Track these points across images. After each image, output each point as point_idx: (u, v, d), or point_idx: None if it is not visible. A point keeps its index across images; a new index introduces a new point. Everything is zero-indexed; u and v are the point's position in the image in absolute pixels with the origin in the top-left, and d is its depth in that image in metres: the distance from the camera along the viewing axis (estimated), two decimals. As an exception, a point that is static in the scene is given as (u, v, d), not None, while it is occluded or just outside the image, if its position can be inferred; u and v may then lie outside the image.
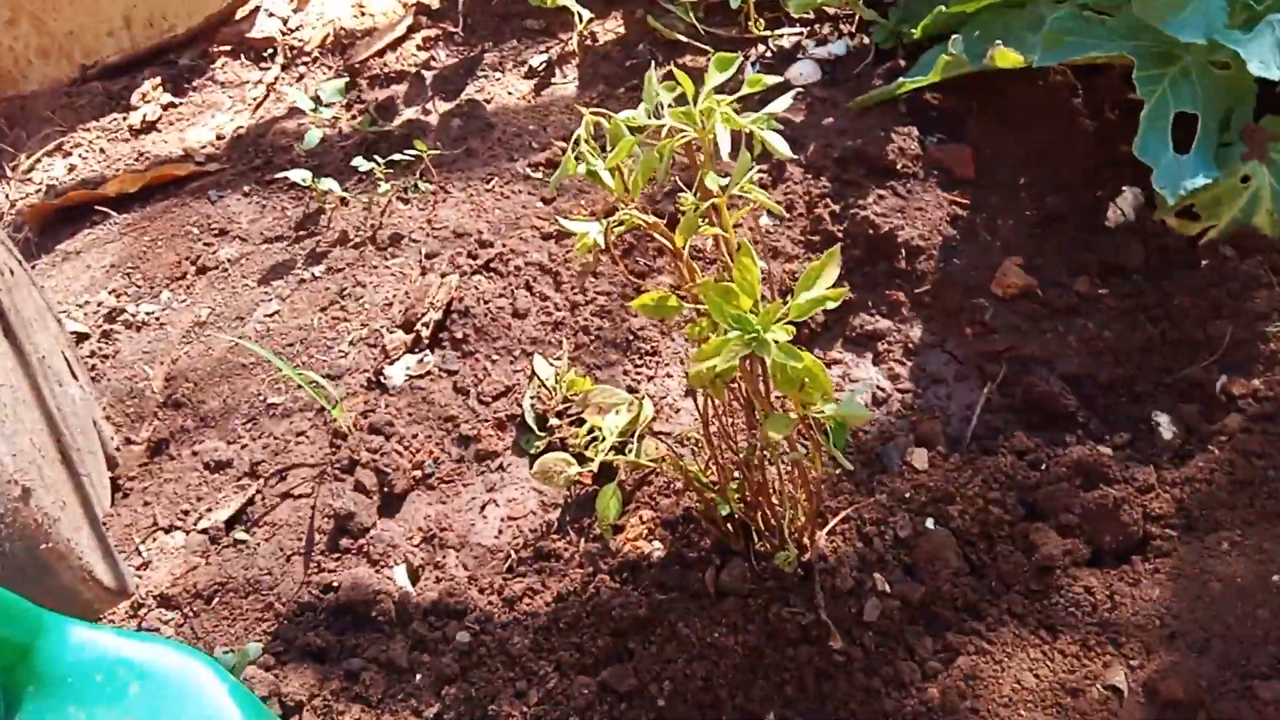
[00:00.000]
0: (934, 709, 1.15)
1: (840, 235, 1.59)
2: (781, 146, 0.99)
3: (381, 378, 1.51)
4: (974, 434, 1.43)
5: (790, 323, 0.99)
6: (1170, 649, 1.12)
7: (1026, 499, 1.30)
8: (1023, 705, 1.13)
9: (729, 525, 1.30)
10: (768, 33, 1.99)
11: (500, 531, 1.37)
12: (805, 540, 1.28)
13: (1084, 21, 1.44)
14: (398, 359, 1.53)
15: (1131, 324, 1.44)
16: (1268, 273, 1.42)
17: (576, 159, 1.10)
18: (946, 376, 1.49)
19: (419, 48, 2.14)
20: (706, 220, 1.09)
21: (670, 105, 1.00)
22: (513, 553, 1.35)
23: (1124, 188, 1.56)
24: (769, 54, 1.96)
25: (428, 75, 2.08)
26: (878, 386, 1.50)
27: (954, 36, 1.58)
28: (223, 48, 2.29)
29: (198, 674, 0.68)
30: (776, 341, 0.97)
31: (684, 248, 1.11)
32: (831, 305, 0.99)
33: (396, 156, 1.83)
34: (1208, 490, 1.25)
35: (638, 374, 1.53)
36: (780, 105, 1.00)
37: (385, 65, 2.12)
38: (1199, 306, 1.42)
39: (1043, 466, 1.34)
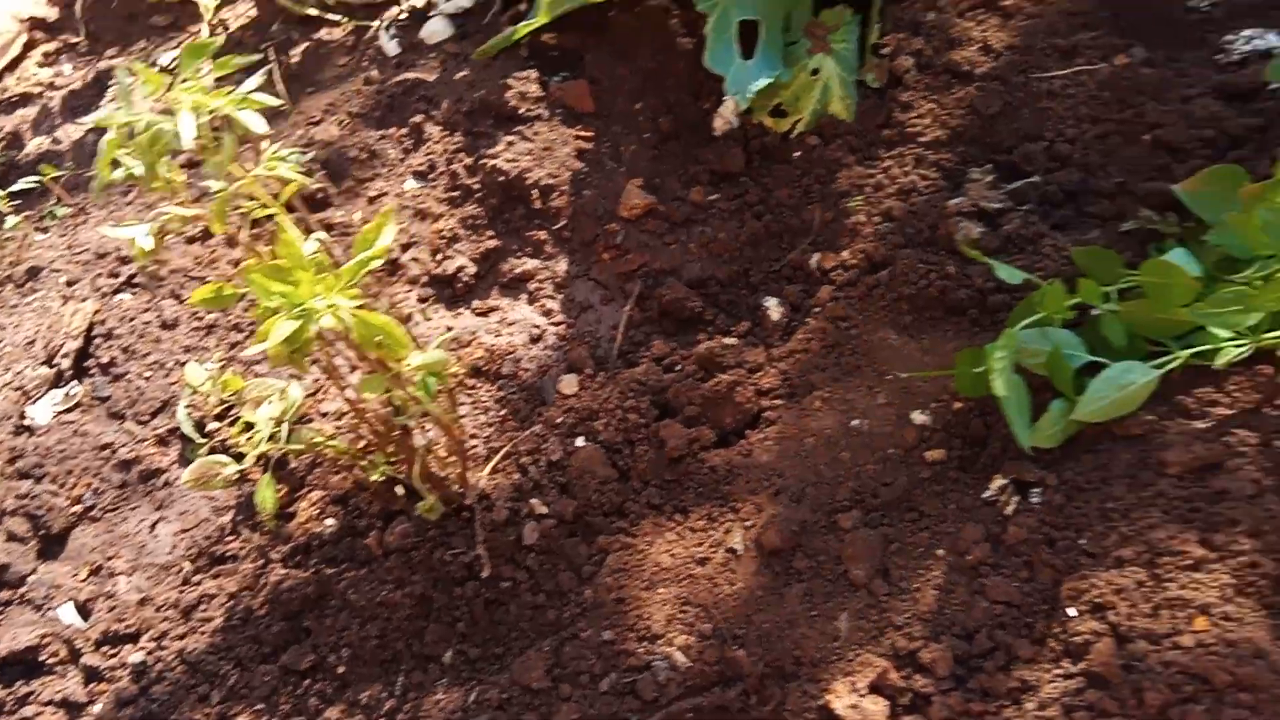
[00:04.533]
0: (588, 609, 1.26)
1: (476, 187, 1.65)
2: (256, 125, 1.02)
3: (25, 420, 1.47)
4: (620, 351, 1.53)
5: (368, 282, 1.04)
6: (775, 504, 1.26)
7: (658, 400, 1.41)
8: (661, 584, 1.25)
9: (392, 488, 1.36)
10: (400, -6, 1.99)
11: (173, 547, 1.38)
12: (462, 486, 1.35)
13: (647, -51, 1.53)
14: (40, 397, 1.49)
15: (741, 222, 1.57)
16: (847, 153, 1.57)
17: (114, 165, 1.10)
18: (594, 302, 1.59)
19: (40, 65, 2.03)
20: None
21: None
22: (187, 563, 1.36)
23: (725, 98, 1.67)
24: (404, 15, 1.97)
25: (55, 95, 1.98)
26: (533, 324, 1.58)
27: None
28: None
29: None
30: (333, 307, 1.02)
31: (241, 238, 1.13)
32: (378, 264, 1.04)
33: (22, 185, 1.75)
34: (805, 358, 1.40)
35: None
36: (250, 85, 1.03)
37: (6, 90, 2.00)
38: (794, 195, 1.57)
39: (677, 368, 1.46)
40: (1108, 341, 1.14)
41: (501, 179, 1.62)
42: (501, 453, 1.42)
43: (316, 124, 1.83)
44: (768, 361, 1.42)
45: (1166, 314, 1.08)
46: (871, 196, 1.51)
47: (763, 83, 1.47)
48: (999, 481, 1.16)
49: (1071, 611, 1.01)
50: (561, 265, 1.62)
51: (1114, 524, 1.04)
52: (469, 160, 1.66)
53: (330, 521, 1.38)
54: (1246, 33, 1.57)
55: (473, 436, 1.50)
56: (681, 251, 1.58)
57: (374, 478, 1.33)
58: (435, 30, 1.91)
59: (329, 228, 1.64)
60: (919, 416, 1.26)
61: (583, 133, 1.69)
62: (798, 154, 1.60)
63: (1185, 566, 0.97)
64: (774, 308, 1.50)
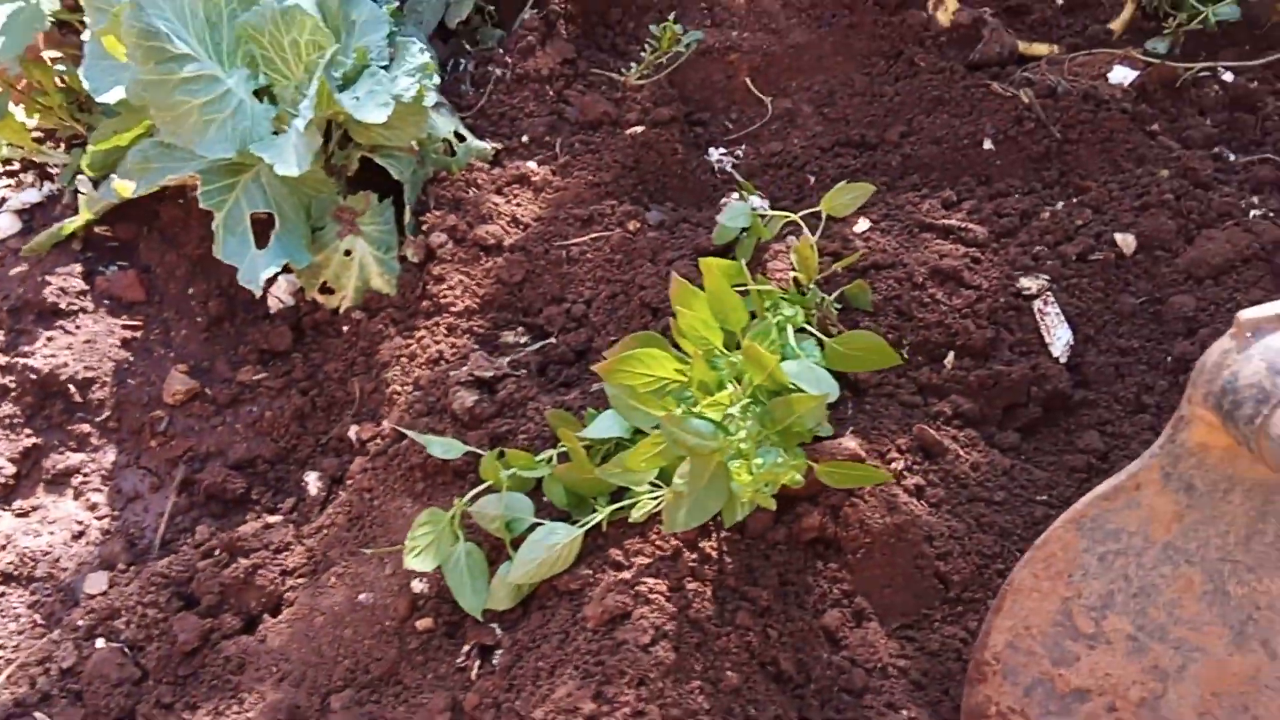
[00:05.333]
0: (78, 832, 1.22)
1: (12, 386, 1.61)
2: None
3: None
4: (163, 540, 1.53)
5: None
6: (277, 691, 1.28)
7: (182, 592, 1.41)
8: (157, 795, 1.23)
9: None
10: (-35, 190, 1.94)
11: None
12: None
13: (165, 149, 1.59)
14: None
15: (288, 399, 1.62)
16: (390, 326, 1.66)
17: None
18: (142, 491, 1.58)
19: None
20: None
21: None
22: None
23: (278, 277, 1.74)
24: (-29, 210, 1.92)
25: None
26: (76, 520, 1.55)
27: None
28: None
29: None
30: None
31: None
32: None
33: None
34: (331, 533, 1.45)
35: None
36: None
37: None
38: (340, 368, 1.64)
39: (215, 553, 1.46)
40: (553, 503, 1.26)
41: (34, 376, 1.60)
42: (16, 663, 1.37)
43: None
44: (296, 540, 1.46)
45: (587, 474, 1.21)
46: (407, 367, 1.60)
47: (274, 270, 1.54)
48: (466, 646, 1.24)
49: (497, 776, 1.08)
50: (109, 457, 1.60)
51: (540, 684, 1.13)
52: (4, 360, 1.63)
53: None
54: (735, 195, 1.82)
55: (-3, 650, 1.44)
56: (229, 432, 1.61)
57: None
58: (1, 227, 1.87)
59: None
60: (418, 585, 1.33)
61: (130, 322, 1.70)
62: (346, 328, 1.68)
63: (576, 723, 1.06)
64: (313, 483, 1.54)
